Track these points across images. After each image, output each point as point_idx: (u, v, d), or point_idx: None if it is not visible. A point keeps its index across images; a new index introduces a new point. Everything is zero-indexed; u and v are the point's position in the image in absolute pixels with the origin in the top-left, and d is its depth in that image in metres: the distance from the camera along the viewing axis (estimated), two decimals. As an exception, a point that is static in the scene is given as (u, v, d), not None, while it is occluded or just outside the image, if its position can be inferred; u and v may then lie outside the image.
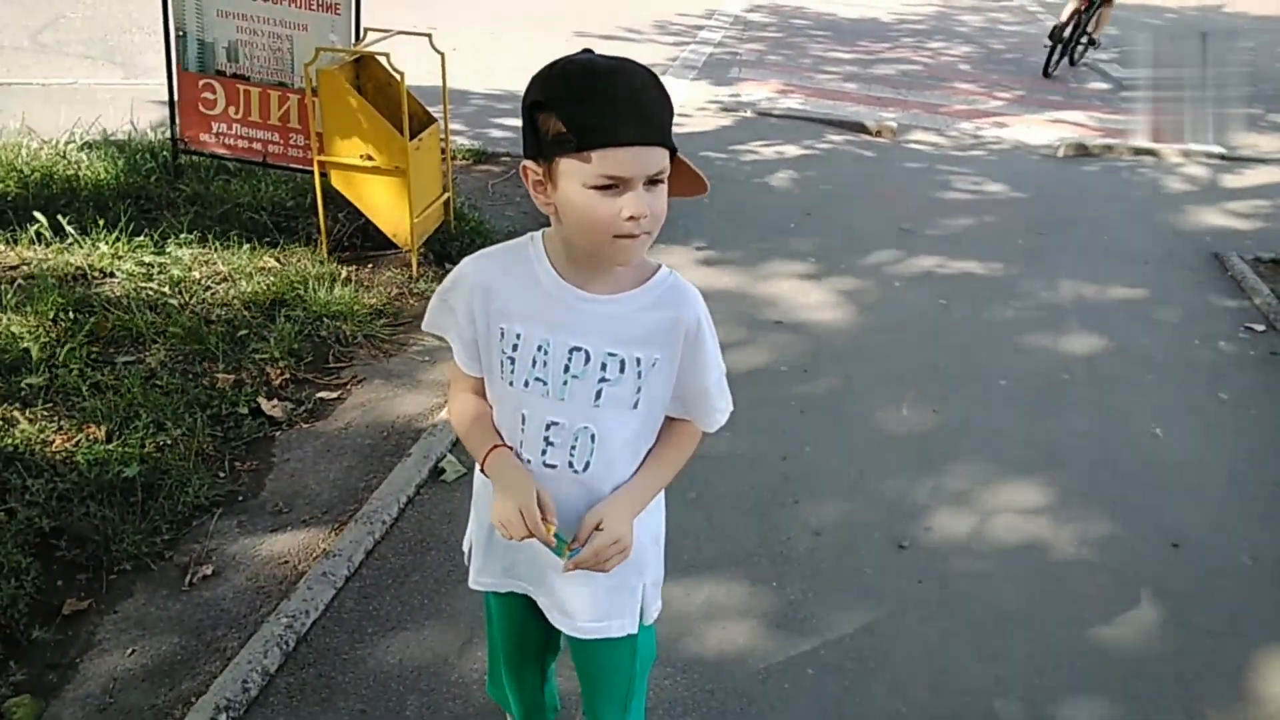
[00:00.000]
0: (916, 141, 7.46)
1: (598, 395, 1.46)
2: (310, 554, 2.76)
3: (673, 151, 1.34)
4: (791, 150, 6.87)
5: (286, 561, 2.73)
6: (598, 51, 1.38)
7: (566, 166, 1.31)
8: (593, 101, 1.27)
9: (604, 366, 1.45)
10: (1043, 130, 7.96)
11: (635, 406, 1.48)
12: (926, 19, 13.15)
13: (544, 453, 1.50)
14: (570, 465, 1.50)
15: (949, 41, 11.72)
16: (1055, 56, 9.99)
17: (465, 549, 1.77)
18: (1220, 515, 3.21)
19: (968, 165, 6.89)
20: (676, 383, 1.51)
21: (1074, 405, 3.83)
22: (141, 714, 2.24)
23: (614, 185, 1.30)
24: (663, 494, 1.66)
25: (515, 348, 1.47)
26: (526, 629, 1.81)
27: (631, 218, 1.31)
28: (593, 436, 1.48)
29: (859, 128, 7.54)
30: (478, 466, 1.60)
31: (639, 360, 1.45)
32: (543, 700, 2.02)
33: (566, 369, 1.45)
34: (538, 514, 1.44)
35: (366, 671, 2.42)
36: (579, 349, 1.44)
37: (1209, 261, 5.33)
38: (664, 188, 1.35)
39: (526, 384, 1.47)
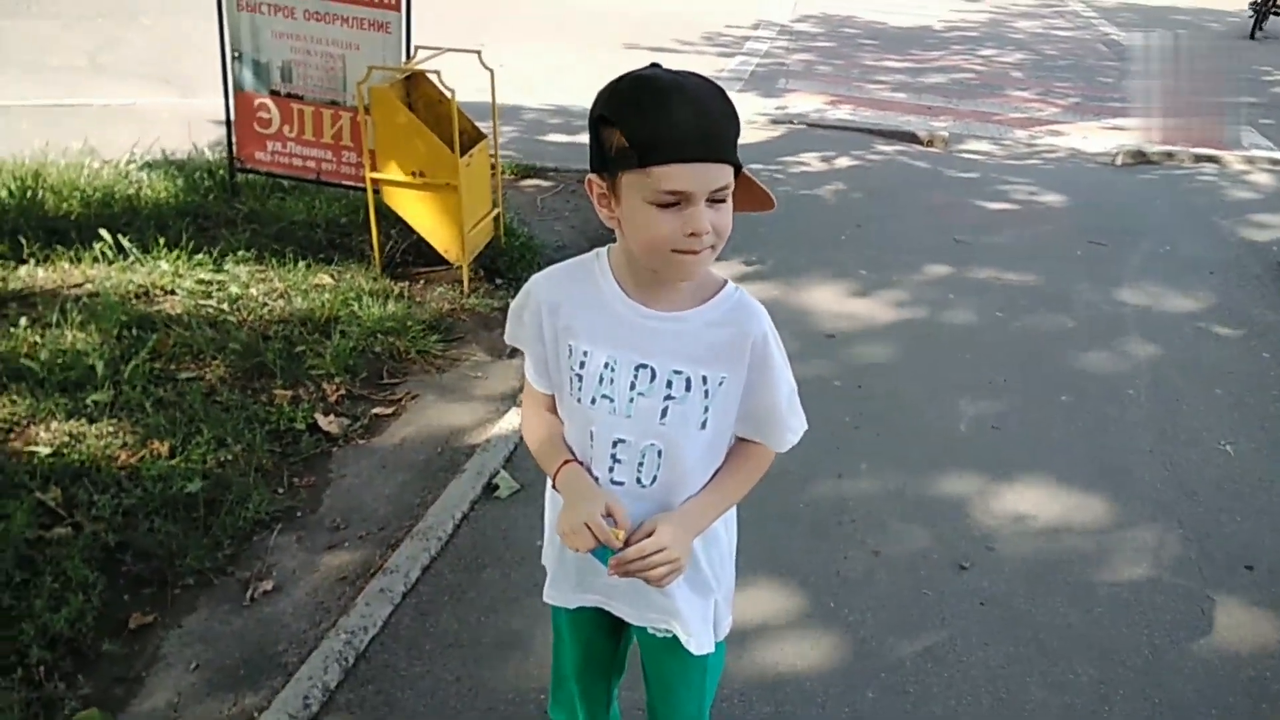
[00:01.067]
0: (969, 151, 7.37)
1: (664, 413, 1.45)
2: (368, 570, 2.77)
3: (738, 167, 1.33)
4: (841, 161, 6.82)
5: (344, 577, 2.75)
6: (663, 65, 1.37)
7: (629, 181, 1.31)
8: (655, 117, 1.27)
9: (669, 384, 1.44)
10: (1100, 137, 7.82)
11: (703, 426, 1.46)
12: (978, 26, 13.02)
13: (611, 469, 1.49)
14: (638, 481, 1.49)
15: (1002, 48, 11.58)
16: (1260, 21, 12.04)
17: (545, 563, 1.77)
18: (1295, 536, 3.10)
19: (1023, 174, 6.78)
20: (744, 401, 1.48)
21: (1139, 421, 3.73)
22: (205, 730, 2.27)
23: (676, 202, 1.29)
24: (734, 511, 1.65)
25: (583, 365, 1.47)
26: (595, 646, 1.80)
27: (693, 234, 1.30)
28: (659, 453, 1.47)
29: (910, 138, 7.46)
30: (549, 482, 1.60)
31: (705, 379, 1.44)
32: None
33: (633, 386, 1.45)
34: (603, 523, 1.43)
35: (424, 689, 2.43)
36: (645, 366, 1.44)
37: (1276, 272, 5.17)
38: (728, 204, 1.34)
39: (594, 401, 1.47)
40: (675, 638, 1.64)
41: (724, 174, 1.31)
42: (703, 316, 1.44)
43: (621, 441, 1.47)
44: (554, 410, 1.60)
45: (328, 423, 3.35)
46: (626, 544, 1.43)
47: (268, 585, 2.70)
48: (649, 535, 1.43)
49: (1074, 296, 4.79)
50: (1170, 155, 7.25)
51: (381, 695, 2.41)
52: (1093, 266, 5.18)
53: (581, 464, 1.53)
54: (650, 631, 1.67)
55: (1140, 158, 7.22)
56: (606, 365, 1.45)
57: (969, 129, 7.94)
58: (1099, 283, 4.96)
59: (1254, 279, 5.09)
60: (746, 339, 1.44)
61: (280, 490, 3.04)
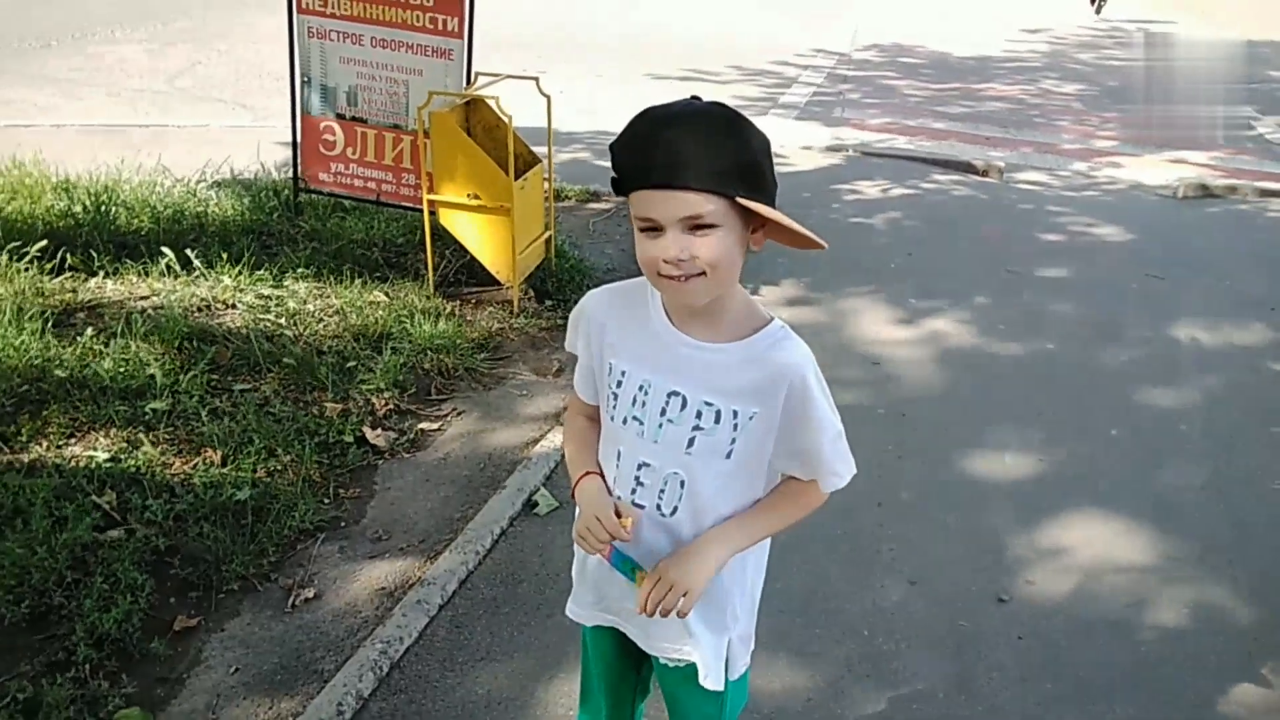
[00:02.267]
0: (1026, 181, 7.28)
1: (690, 443, 1.46)
2: (406, 581, 2.83)
3: (732, 199, 1.30)
4: (895, 190, 6.79)
5: (383, 588, 2.80)
6: (702, 97, 1.38)
7: (630, 206, 1.37)
8: (630, 145, 1.32)
9: (699, 415, 1.44)
10: (1161, 170, 7.68)
11: (729, 457, 1.46)
12: (1039, 56, 12.88)
13: (634, 491, 1.51)
14: (658, 508, 1.51)
15: (1062, 79, 11.44)
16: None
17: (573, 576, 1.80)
18: (1354, 581, 3.00)
19: (1080, 206, 6.68)
20: (785, 441, 1.47)
21: (1191, 458, 3.64)
22: (242, 731, 2.32)
23: (654, 227, 1.32)
24: (766, 553, 1.65)
25: (619, 384, 1.50)
26: (617, 664, 1.81)
27: (667, 261, 1.32)
28: (682, 483, 1.48)
29: (966, 167, 7.41)
30: (573, 493, 1.63)
31: (736, 412, 1.43)
32: None
33: (663, 412, 1.46)
34: (613, 517, 1.47)
35: (455, 701, 2.46)
36: (677, 393, 1.45)
37: (1343, 309, 5.02)
38: (717, 234, 1.31)
39: (625, 421, 1.49)
40: (690, 665, 1.65)
41: (694, 203, 1.29)
42: (742, 351, 1.44)
43: (646, 465, 1.49)
44: (594, 420, 1.64)
45: (375, 436, 3.43)
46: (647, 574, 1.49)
47: (309, 593, 2.76)
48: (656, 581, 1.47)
49: (1128, 330, 4.70)
50: (1234, 189, 7.10)
51: (414, 705, 2.45)
52: (1149, 300, 5.08)
53: (603, 477, 1.56)
54: (663, 661, 1.68)
55: (1202, 191, 7.07)
56: (641, 388, 1.47)
57: (1026, 159, 7.86)
58: (1154, 317, 4.86)
59: (1319, 316, 4.95)
60: (784, 379, 1.43)
61: (326, 500, 3.12)
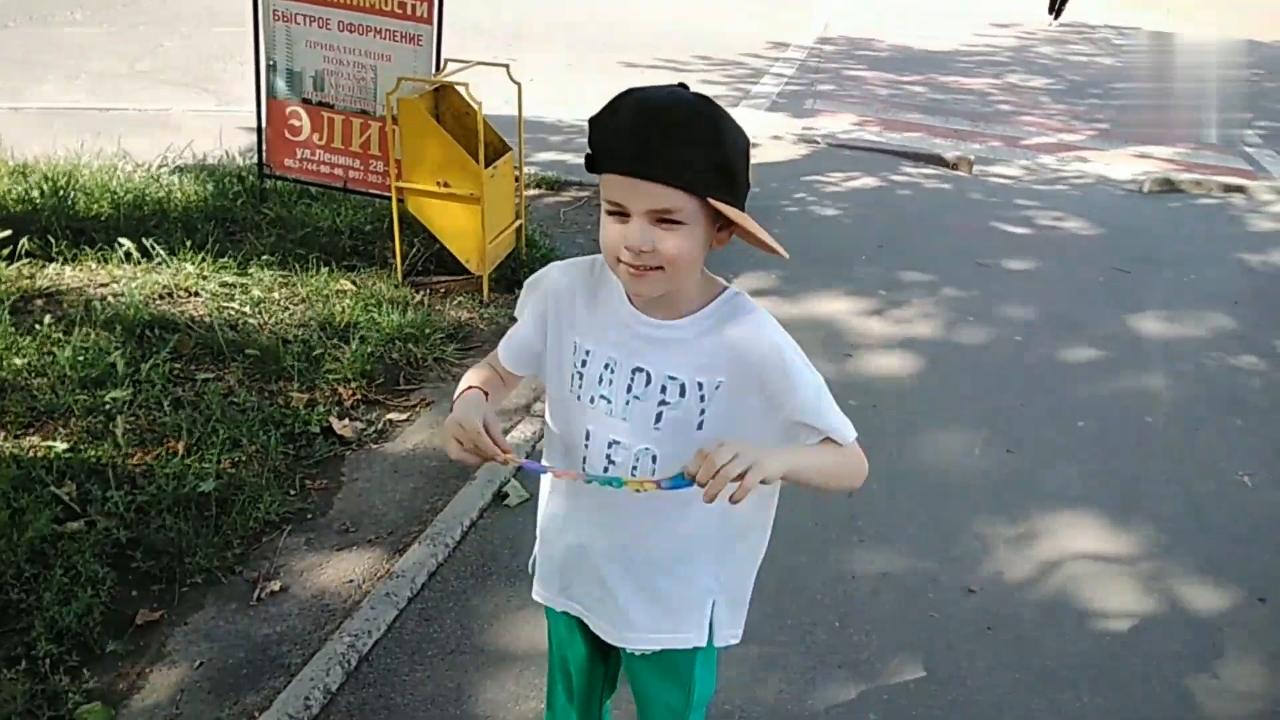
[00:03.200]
0: (995, 175, 7.34)
1: (658, 418, 1.44)
2: (374, 574, 2.79)
3: (703, 198, 1.29)
4: (866, 182, 6.81)
5: (351, 580, 2.77)
6: (690, 87, 1.35)
7: (600, 185, 1.35)
8: (607, 125, 1.30)
9: (664, 389, 1.44)
10: (1127, 164, 7.77)
11: (700, 428, 1.43)
12: (1003, 50, 12.98)
13: (605, 470, 1.49)
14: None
15: (1028, 73, 11.54)
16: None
17: (530, 566, 1.78)
18: (1313, 571, 3.05)
19: (1048, 199, 6.74)
20: (779, 410, 1.43)
21: (1156, 450, 3.69)
22: (206, 726, 2.28)
23: (621, 212, 1.31)
24: (768, 510, 1.62)
25: (584, 363, 1.48)
26: (583, 654, 1.79)
27: (628, 248, 1.30)
28: (654, 458, 1.46)
29: (936, 160, 7.44)
30: (545, 486, 1.63)
31: (700, 384, 1.42)
32: None
33: (629, 389, 1.45)
34: (479, 426, 1.38)
35: (425, 695, 2.43)
36: (640, 369, 1.44)
37: (1303, 303, 5.11)
38: (684, 231, 1.30)
39: (592, 400, 1.48)
40: (659, 654, 1.64)
41: (664, 196, 1.27)
42: (699, 324, 1.43)
43: (617, 443, 1.47)
44: (500, 378, 1.60)
45: (342, 426, 3.38)
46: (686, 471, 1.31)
47: (275, 586, 2.72)
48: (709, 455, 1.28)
49: (1095, 323, 4.75)
50: (1198, 184, 7.19)
51: (382, 699, 2.42)
52: (1116, 293, 5.14)
53: (484, 391, 1.53)
54: (630, 650, 1.66)
55: (1168, 185, 7.16)
56: (606, 366, 1.46)
57: (995, 153, 7.91)
58: (1121, 309, 4.92)
59: (1278, 310, 5.03)
60: (754, 351, 1.41)
61: (292, 492, 3.07)
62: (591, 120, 1.32)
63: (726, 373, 1.42)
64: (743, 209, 1.35)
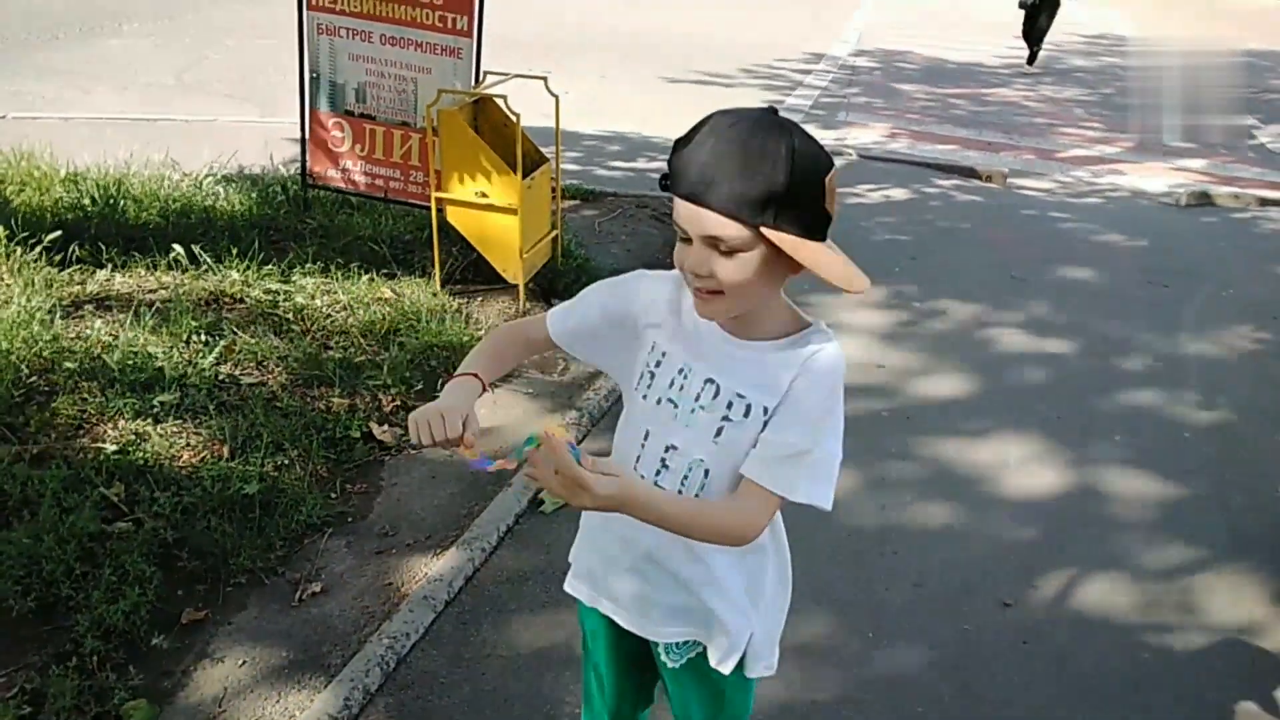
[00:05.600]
0: (1028, 187, 7.31)
1: (719, 432, 1.45)
2: (413, 577, 2.84)
3: (755, 228, 1.27)
4: (898, 194, 6.81)
5: (390, 583, 2.81)
6: (779, 111, 1.34)
7: None
8: (681, 144, 1.32)
9: (730, 405, 1.44)
10: (1162, 178, 7.70)
11: (755, 447, 1.44)
12: (1040, 63, 12.89)
13: (658, 474, 1.50)
14: (680, 494, 1.50)
15: (1061, 85, 11.47)
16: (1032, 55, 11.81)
17: (570, 556, 1.78)
18: (1355, 590, 3.01)
19: (1082, 212, 6.70)
20: (775, 427, 1.42)
21: (1194, 465, 3.66)
22: (250, 724, 2.33)
23: (685, 236, 1.33)
24: (788, 561, 1.64)
25: (659, 364, 1.49)
26: (616, 657, 1.80)
27: (690, 271, 1.34)
28: (705, 471, 1.48)
29: (969, 173, 7.43)
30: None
31: (766, 409, 1.43)
32: None
33: (697, 398, 1.46)
34: (458, 422, 1.38)
35: (462, 697, 2.47)
36: (712, 381, 1.45)
37: (1345, 319, 5.04)
38: (740, 259, 1.30)
39: (659, 401, 1.49)
40: (694, 660, 1.65)
41: (714, 223, 1.27)
42: (778, 349, 1.44)
43: (673, 449, 1.48)
44: (528, 343, 1.64)
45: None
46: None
47: (316, 587, 2.77)
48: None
49: (1132, 336, 4.72)
50: (1236, 197, 7.12)
51: (420, 701, 2.46)
52: (1153, 307, 5.10)
53: (482, 380, 1.52)
54: (664, 660, 1.67)
55: (1204, 199, 7.09)
56: (681, 371, 1.47)
57: (1029, 165, 7.88)
58: (1159, 324, 4.88)
59: (1323, 326, 4.97)
60: (801, 364, 1.41)
61: (333, 495, 3.13)
62: (677, 141, 1.33)
63: (783, 399, 1.43)
64: (822, 239, 1.34)
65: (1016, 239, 6.09)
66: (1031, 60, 12.00)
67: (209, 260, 4.38)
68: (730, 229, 1.28)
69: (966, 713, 2.50)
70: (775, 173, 1.25)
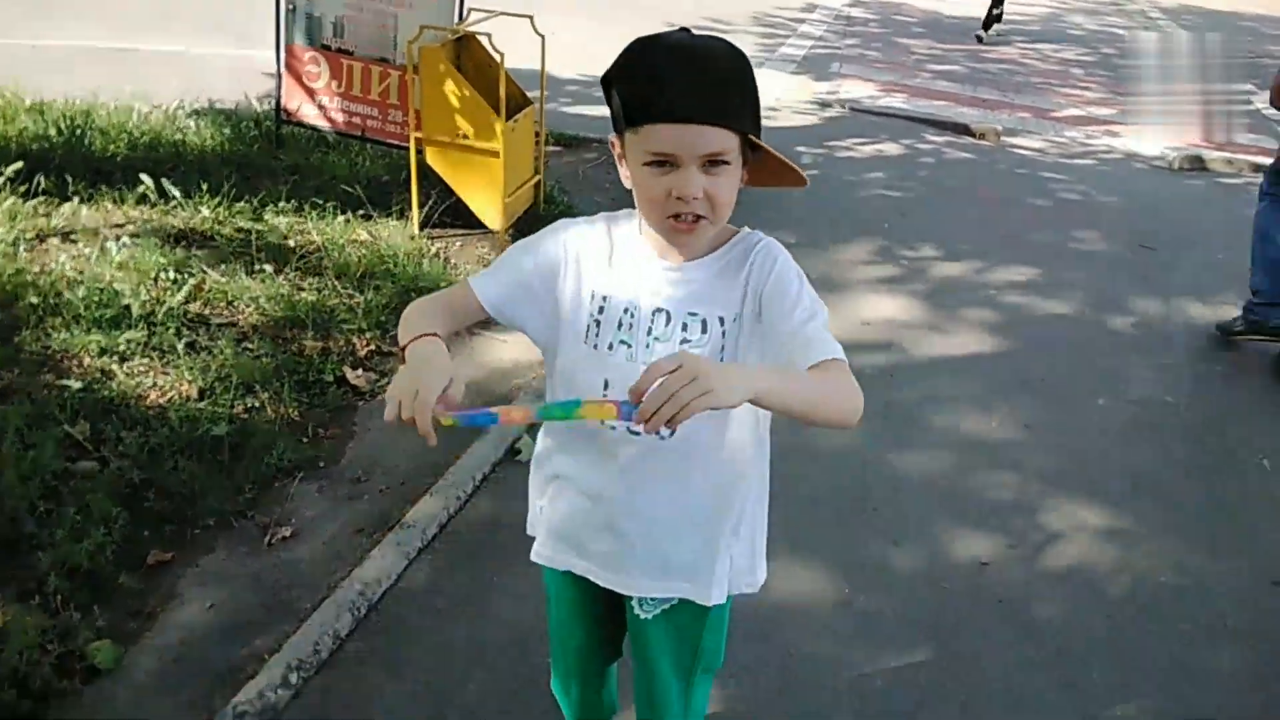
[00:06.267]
0: (1021, 146, 7.23)
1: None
2: (385, 523, 2.78)
3: (744, 135, 1.31)
4: (890, 149, 6.72)
5: (362, 529, 2.76)
6: (692, 31, 1.35)
7: (629, 141, 1.33)
8: (643, 76, 1.29)
9: (685, 327, 1.42)
10: (1156, 140, 7.63)
11: None
12: (1036, 19, 12.73)
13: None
14: (656, 432, 1.44)
15: (1060, 44, 11.33)
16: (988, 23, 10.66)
17: (528, 526, 1.74)
18: (1330, 556, 3.02)
19: (1075, 173, 6.64)
20: (779, 335, 1.37)
21: (1176, 430, 3.65)
22: (215, 666, 2.29)
23: (665, 162, 1.29)
24: (766, 454, 1.59)
25: (602, 310, 1.46)
26: (584, 616, 1.75)
27: (680, 198, 1.29)
28: None
29: (962, 129, 7.34)
30: (538, 439, 1.60)
31: (721, 319, 1.41)
32: (599, 700, 1.96)
33: (649, 331, 1.43)
34: (432, 401, 1.19)
35: (434, 644, 2.43)
36: (660, 310, 1.43)
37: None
38: (728, 172, 1.31)
39: (611, 347, 1.45)
40: (664, 615, 1.61)
41: (717, 138, 1.28)
42: (716, 262, 1.43)
43: None
44: (459, 310, 1.46)
45: (355, 377, 3.37)
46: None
47: (286, 531, 2.71)
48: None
49: (1120, 299, 4.69)
50: (1229, 162, 7.07)
51: (392, 647, 2.42)
52: (1142, 270, 5.07)
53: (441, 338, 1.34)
54: (638, 613, 1.64)
55: (1198, 163, 7.04)
56: (626, 310, 1.44)
57: (1023, 124, 7.79)
58: (1146, 287, 4.85)
59: (1307, 293, 4.95)
60: (759, 275, 1.40)
61: (304, 440, 3.06)
62: (616, 75, 1.31)
63: (741, 306, 1.41)
64: None
65: (1007, 198, 6.03)
66: (986, 27, 10.86)
67: (178, 195, 4.26)
68: (727, 140, 1.29)
69: (940, 670, 2.49)
70: (751, 83, 1.32)
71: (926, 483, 3.22)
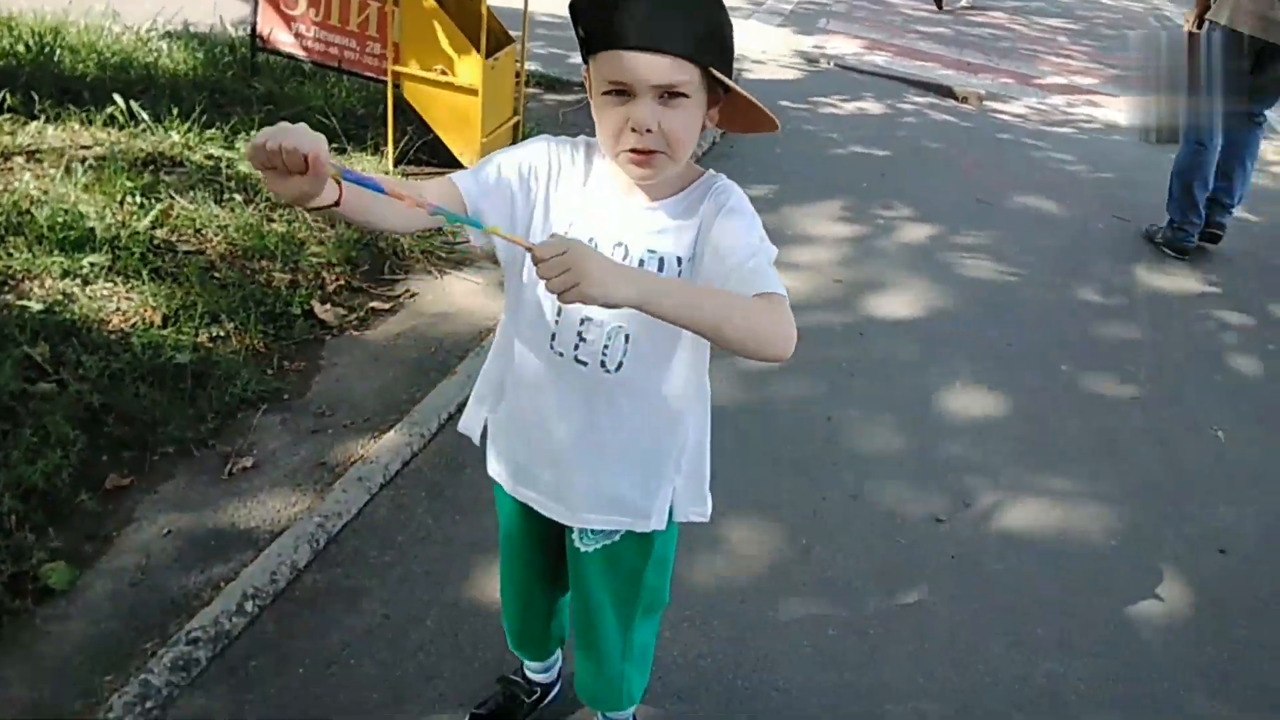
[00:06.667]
0: (1003, 112, 7.21)
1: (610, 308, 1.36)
2: (348, 458, 2.78)
3: (705, 69, 1.27)
4: (873, 108, 6.68)
5: (324, 463, 2.76)
6: None
7: (591, 70, 1.32)
8: (601, 3, 1.26)
9: (641, 264, 1.41)
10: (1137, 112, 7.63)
11: None
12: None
13: (576, 348, 1.46)
14: (603, 365, 1.46)
15: (1048, 13, 11.26)
16: None
17: (479, 437, 1.71)
18: (1272, 527, 3.09)
19: (1055, 141, 6.64)
20: (719, 269, 1.34)
21: (1136, 398, 3.70)
22: (171, 592, 2.29)
23: (622, 92, 1.27)
24: (707, 393, 1.60)
25: (567, 234, 1.44)
26: (530, 546, 1.77)
27: (634, 129, 1.27)
28: (626, 337, 1.44)
29: (945, 92, 7.30)
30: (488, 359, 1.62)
31: (679, 259, 1.41)
32: (545, 632, 1.97)
33: None
34: (317, 141, 1.09)
35: (393, 578, 2.45)
36: (620, 244, 1.42)
37: (1297, 266, 5.10)
38: (686, 106, 1.29)
39: None
40: (606, 550, 1.63)
41: (670, 69, 1.25)
42: (679, 203, 1.42)
43: (589, 320, 1.44)
44: (407, 213, 1.32)
45: (324, 311, 3.34)
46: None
47: (247, 462, 2.70)
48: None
49: (1090, 269, 4.72)
50: (1208, 138, 7.08)
51: (350, 580, 2.43)
52: (1113, 240, 5.11)
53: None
54: (578, 546, 1.65)
55: (1175, 137, 7.03)
56: (590, 240, 1.42)
57: (1006, 89, 7.76)
58: (1116, 257, 4.89)
59: (1269, 270, 5.02)
60: (713, 214, 1.38)
61: (269, 371, 3.04)
62: (585, 4, 1.29)
63: (695, 247, 1.41)
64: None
65: (985, 163, 6.02)
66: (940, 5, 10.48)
67: (148, 119, 4.16)
68: (684, 72, 1.26)
69: (891, 619, 2.54)
70: (714, 13, 1.29)
71: (888, 440, 3.25)
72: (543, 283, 1.41)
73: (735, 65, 1.37)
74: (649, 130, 1.28)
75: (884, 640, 2.48)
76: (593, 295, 1.14)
